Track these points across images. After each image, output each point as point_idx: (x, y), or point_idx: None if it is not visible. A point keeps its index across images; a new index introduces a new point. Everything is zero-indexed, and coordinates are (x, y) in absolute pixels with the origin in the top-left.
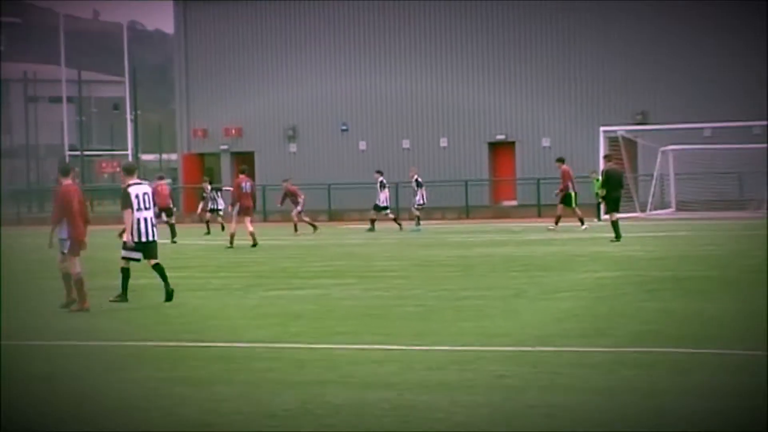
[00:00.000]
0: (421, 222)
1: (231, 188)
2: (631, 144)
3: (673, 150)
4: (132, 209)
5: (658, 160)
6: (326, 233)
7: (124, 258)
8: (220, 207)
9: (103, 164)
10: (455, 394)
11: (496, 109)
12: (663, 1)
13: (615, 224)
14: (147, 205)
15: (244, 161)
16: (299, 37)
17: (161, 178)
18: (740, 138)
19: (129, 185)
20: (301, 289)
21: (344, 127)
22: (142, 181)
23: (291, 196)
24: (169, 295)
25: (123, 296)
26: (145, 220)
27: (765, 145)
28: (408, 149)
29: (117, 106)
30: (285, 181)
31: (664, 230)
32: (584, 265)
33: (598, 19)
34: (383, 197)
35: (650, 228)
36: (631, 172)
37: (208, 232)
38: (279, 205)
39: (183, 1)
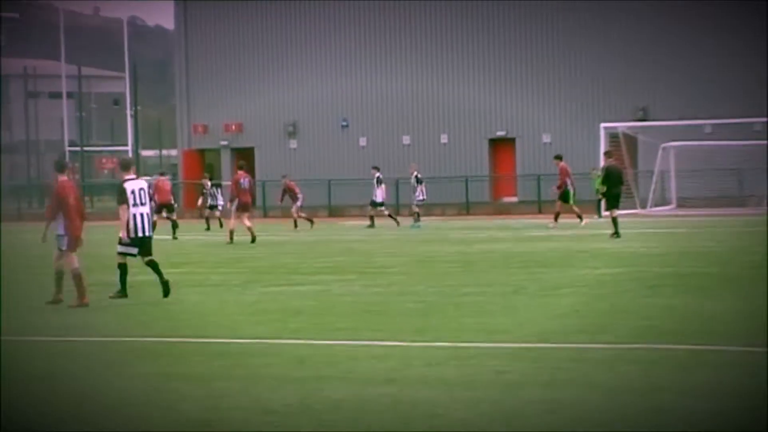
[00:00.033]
0: (422, 218)
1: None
2: (631, 140)
3: (673, 146)
4: (128, 205)
5: (659, 156)
6: (326, 229)
7: (120, 253)
8: (219, 203)
9: (103, 160)
10: (455, 390)
11: (496, 105)
12: (663, 1)
13: (615, 221)
14: (143, 201)
15: (245, 157)
16: (300, 34)
17: (162, 174)
18: (740, 135)
19: (125, 180)
20: (300, 285)
21: (344, 123)
22: (139, 177)
23: (290, 192)
24: (165, 287)
25: (122, 292)
26: (141, 215)
27: (765, 142)
28: (408, 145)
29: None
30: (284, 177)
31: (665, 227)
32: (584, 261)
33: (598, 19)
34: (380, 193)
35: (651, 224)
36: (631, 169)
37: (208, 228)
38: (279, 203)
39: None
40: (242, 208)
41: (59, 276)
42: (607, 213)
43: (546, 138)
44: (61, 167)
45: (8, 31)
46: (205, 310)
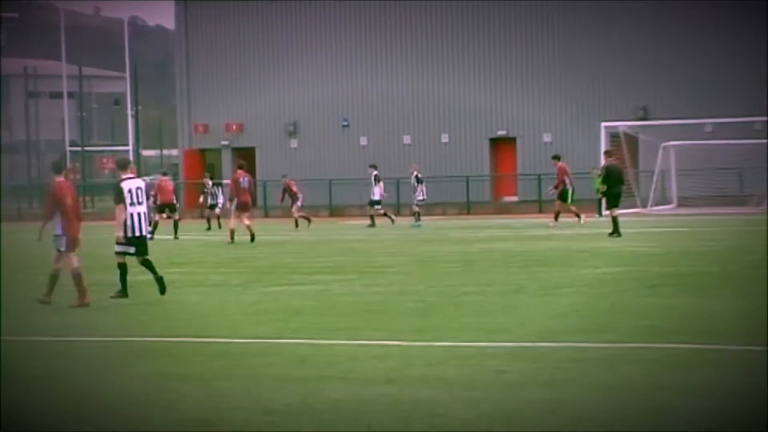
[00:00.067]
0: (422, 218)
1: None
2: (632, 140)
3: (674, 146)
4: (125, 205)
5: (659, 155)
6: (327, 229)
7: (118, 253)
8: (219, 202)
9: (104, 160)
10: (456, 389)
11: (497, 105)
12: (663, 1)
13: (615, 220)
14: (140, 200)
15: (245, 157)
16: (300, 34)
17: (165, 174)
18: (741, 134)
19: (122, 180)
20: (301, 285)
21: (345, 123)
22: (138, 177)
23: (290, 192)
24: (160, 284)
25: (123, 292)
26: (138, 215)
27: (765, 141)
28: (409, 145)
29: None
30: (284, 176)
31: (665, 226)
32: (585, 260)
33: (599, 19)
34: (377, 191)
35: (651, 223)
36: (632, 168)
37: (209, 228)
38: (279, 202)
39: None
40: (242, 208)
41: (54, 278)
42: (608, 212)
43: (547, 137)
44: (57, 168)
45: (9, 31)
46: (205, 310)
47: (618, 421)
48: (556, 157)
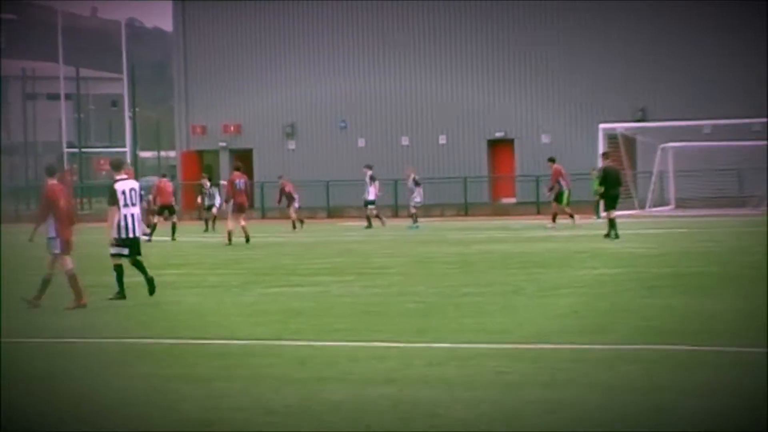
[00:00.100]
0: (420, 219)
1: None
2: (630, 141)
3: (672, 147)
4: (119, 206)
5: (658, 157)
6: (325, 230)
7: (113, 255)
8: (216, 203)
9: (102, 161)
10: (455, 390)
11: (495, 106)
12: (663, 1)
13: (613, 222)
14: (133, 201)
15: (243, 158)
16: (298, 35)
17: (164, 175)
18: (740, 135)
19: (116, 181)
20: (300, 286)
21: (343, 125)
22: (132, 178)
23: (286, 193)
24: (150, 284)
25: (121, 294)
26: (132, 216)
27: (764, 142)
28: (407, 146)
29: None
30: (280, 177)
31: (664, 227)
32: (583, 261)
33: (598, 19)
34: (372, 191)
35: (650, 225)
36: (630, 169)
37: (207, 229)
38: (277, 204)
39: (181, 0)
40: (238, 209)
41: (46, 282)
42: (606, 214)
43: (545, 139)
44: (51, 171)
45: (6, 32)
46: (204, 311)
47: (618, 422)
48: (552, 160)
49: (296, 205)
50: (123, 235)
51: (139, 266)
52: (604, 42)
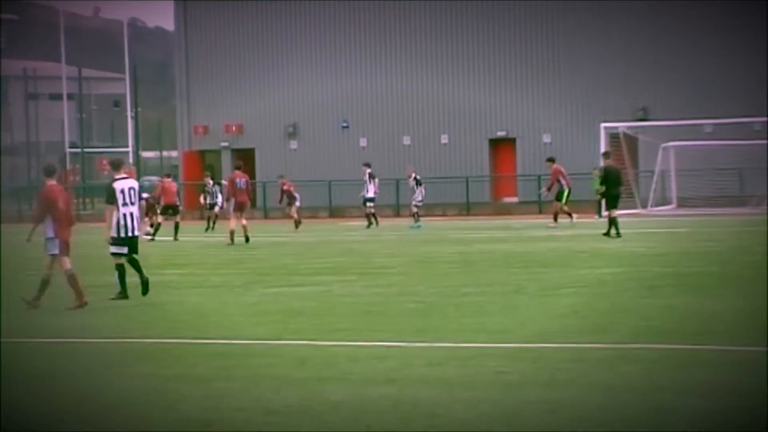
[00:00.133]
0: (422, 218)
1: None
2: (632, 140)
3: (674, 146)
4: (117, 206)
5: (659, 156)
6: (326, 230)
7: (113, 254)
8: (218, 201)
9: (104, 161)
10: (455, 390)
11: (496, 105)
12: (663, 1)
13: (614, 221)
14: (132, 201)
15: (245, 158)
16: (300, 35)
17: (168, 175)
18: (741, 134)
19: (115, 180)
20: (301, 286)
21: (345, 124)
22: (132, 177)
23: (286, 192)
24: (144, 286)
25: (123, 293)
26: (131, 215)
27: (765, 142)
28: (409, 146)
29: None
30: (280, 177)
31: (665, 226)
32: (585, 261)
33: (598, 19)
34: (371, 188)
35: (651, 224)
36: (632, 169)
37: (208, 228)
38: (278, 203)
39: (183, 0)
40: (239, 208)
41: (46, 282)
42: (607, 213)
43: (546, 138)
44: (49, 172)
45: (8, 32)
46: (205, 311)
47: (618, 421)
48: (551, 160)
49: (297, 204)
50: (122, 234)
51: (134, 265)
52: (605, 42)
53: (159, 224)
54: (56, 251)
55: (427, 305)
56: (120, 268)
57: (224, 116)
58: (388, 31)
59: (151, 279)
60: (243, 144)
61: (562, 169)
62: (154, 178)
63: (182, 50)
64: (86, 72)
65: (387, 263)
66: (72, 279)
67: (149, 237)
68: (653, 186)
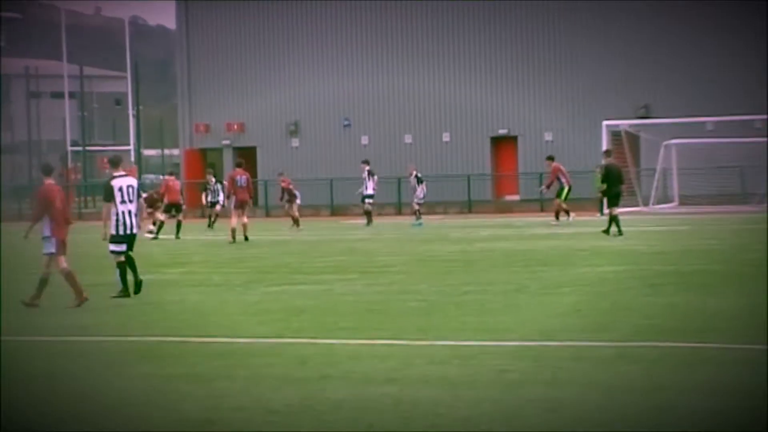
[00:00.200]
0: (423, 217)
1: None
2: (633, 138)
3: (675, 144)
4: (115, 203)
5: (661, 154)
6: (328, 228)
7: (113, 252)
8: (219, 199)
9: (105, 160)
10: (457, 388)
11: (498, 104)
12: (663, 1)
13: (616, 219)
14: (131, 198)
15: (246, 156)
16: (301, 33)
17: (171, 173)
18: (742, 132)
19: (113, 178)
20: (302, 285)
21: (346, 123)
22: (131, 175)
23: (287, 190)
24: (138, 285)
25: (124, 291)
26: (129, 212)
27: (766, 140)
28: (410, 144)
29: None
30: (279, 175)
31: (667, 224)
32: (586, 259)
33: (599, 19)
34: (371, 185)
35: (653, 222)
36: (633, 167)
37: (210, 225)
38: (280, 202)
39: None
40: (239, 206)
41: (44, 281)
42: (608, 211)
43: (548, 136)
44: (47, 170)
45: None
46: (206, 310)
47: (618, 421)
48: (551, 158)
49: (298, 201)
50: (121, 231)
51: (130, 263)
52: (605, 41)
53: (162, 222)
54: (53, 250)
55: (429, 304)
56: (121, 266)
57: (226, 114)
58: (389, 30)
59: (152, 277)
60: (244, 142)
61: (562, 167)
62: (153, 177)
63: (184, 48)
64: (88, 70)
65: (388, 262)
66: (69, 277)
67: (152, 235)
68: (655, 184)
